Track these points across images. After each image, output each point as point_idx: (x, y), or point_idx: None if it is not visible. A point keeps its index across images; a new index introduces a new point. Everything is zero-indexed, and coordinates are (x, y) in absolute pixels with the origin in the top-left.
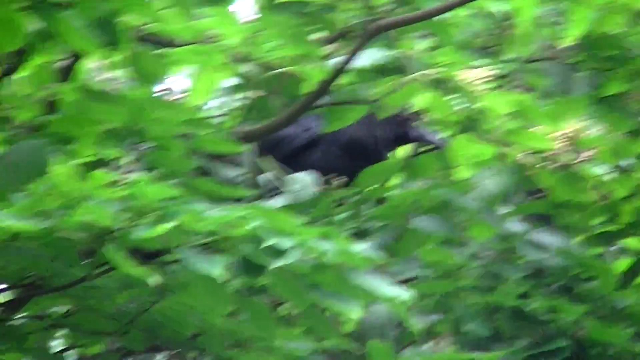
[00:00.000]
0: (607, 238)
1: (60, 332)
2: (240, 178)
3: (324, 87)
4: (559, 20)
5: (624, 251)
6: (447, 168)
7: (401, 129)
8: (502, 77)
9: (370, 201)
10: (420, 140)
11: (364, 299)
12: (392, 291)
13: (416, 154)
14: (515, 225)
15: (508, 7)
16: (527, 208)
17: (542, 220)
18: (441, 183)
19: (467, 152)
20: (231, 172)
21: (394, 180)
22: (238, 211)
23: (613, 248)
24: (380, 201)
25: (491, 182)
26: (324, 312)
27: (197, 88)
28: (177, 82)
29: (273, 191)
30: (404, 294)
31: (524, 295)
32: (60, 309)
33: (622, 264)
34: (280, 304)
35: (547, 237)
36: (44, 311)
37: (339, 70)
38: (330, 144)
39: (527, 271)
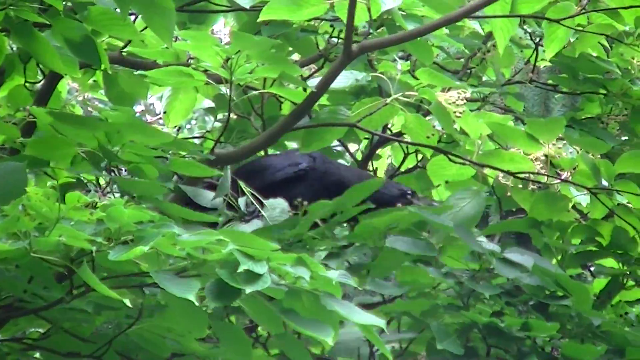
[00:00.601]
0: (584, 258)
1: (37, 354)
2: (218, 201)
3: (304, 109)
4: (538, 42)
5: (600, 271)
6: (427, 189)
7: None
8: (482, 98)
9: (347, 222)
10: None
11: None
12: (365, 318)
13: (394, 175)
14: (490, 245)
15: (487, 28)
16: (504, 226)
17: (521, 240)
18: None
19: (446, 172)
20: (208, 196)
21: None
22: (213, 235)
23: (591, 268)
24: (356, 222)
25: (468, 204)
26: (298, 336)
27: (175, 109)
28: (155, 103)
29: (250, 214)
30: (377, 320)
31: (498, 313)
32: (37, 330)
33: (598, 284)
34: (256, 326)
35: (522, 257)
36: (21, 333)
37: (319, 92)
38: (315, 181)
39: (502, 289)
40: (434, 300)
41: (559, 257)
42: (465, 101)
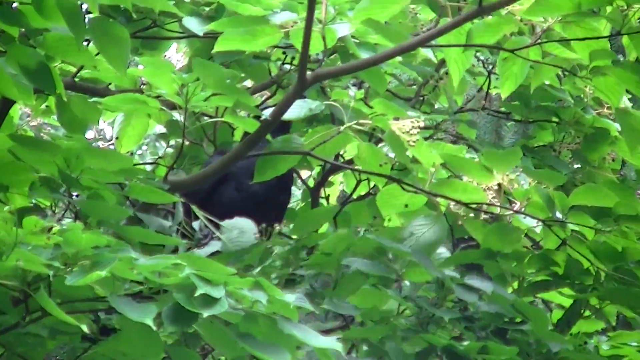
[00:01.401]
0: (540, 287)
1: None
2: (172, 227)
3: (257, 137)
4: (491, 70)
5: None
6: (377, 216)
7: None
8: (434, 126)
9: (303, 248)
10: None
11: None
12: (322, 341)
13: (345, 202)
14: (449, 271)
15: (440, 56)
16: (459, 257)
17: (473, 269)
18: (373, 230)
19: (398, 201)
20: (163, 222)
21: (324, 228)
22: (170, 260)
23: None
24: (312, 248)
25: (430, 230)
26: None
27: (127, 135)
28: (106, 129)
29: (206, 238)
30: (335, 344)
31: (457, 338)
32: None
33: (556, 314)
34: (212, 350)
35: (481, 282)
36: None
37: (273, 121)
38: (241, 177)
39: (462, 315)
40: (392, 324)
41: (515, 286)
42: (418, 130)
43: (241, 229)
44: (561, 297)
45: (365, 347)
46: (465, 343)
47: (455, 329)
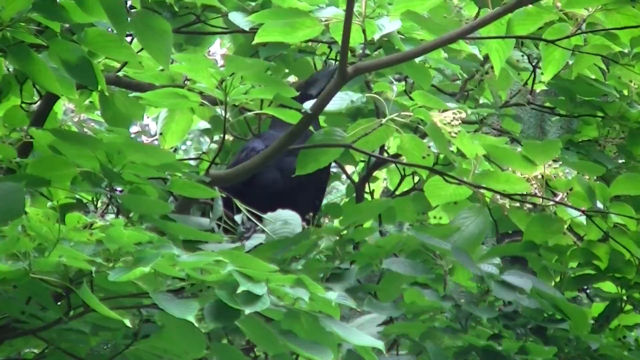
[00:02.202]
0: (582, 281)
1: None
2: (212, 222)
3: (299, 130)
4: (536, 65)
5: (597, 295)
6: (424, 211)
7: None
8: (479, 121)
9: (350, 242)
10: None
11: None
12: (364, 339)
13: (391, 197)
14: (488, 267)
15: (485, 51)
16: (503, 250)
17: (517, 263)
18: (421, 227)
19: (443, 193)
20: (201, 220)
21: (368, 223)
22: (212, 256)
23: (588, 291)
24: (357, 243)
25: (473, 223)
26: (296, 358)
27: (171, 130)
28: (150, 124)
29: (249, 232)
30: (376, 342)
31: (496, 336)
32: (32, 350)
33: (596, 308)
34: (254, 347)
35: (520, 279)
36: (16, 353)
37: (315, 113)
38: (282, 157)
39: (501, 312)
40: (431, 323)
41: (557, 280)
42: (460, 122)
43: (285, 219)
44: (611, 285)
45: (403, 344)
46: (504, 343)
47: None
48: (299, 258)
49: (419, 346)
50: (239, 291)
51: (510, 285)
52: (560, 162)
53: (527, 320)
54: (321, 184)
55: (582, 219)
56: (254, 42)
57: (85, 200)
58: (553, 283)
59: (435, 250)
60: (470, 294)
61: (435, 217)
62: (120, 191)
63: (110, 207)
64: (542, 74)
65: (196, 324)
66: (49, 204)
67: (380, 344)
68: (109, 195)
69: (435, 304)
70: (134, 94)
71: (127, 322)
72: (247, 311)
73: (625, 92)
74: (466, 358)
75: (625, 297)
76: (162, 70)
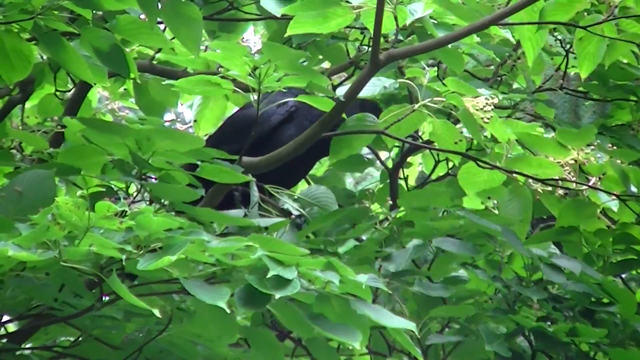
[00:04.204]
0: (623, 267)
1: None
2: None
3: (332, 117)
4: (569, 50)
5: (633, 279)
6: (458, 196)
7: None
8: (512, 106)
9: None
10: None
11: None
12: (397, 322)
13: (425, 182)
14: (537, 250)
15: (517, 36)
16: (541, 237)
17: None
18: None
19: (477, 179)
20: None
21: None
22: (242, 241)
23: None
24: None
25: (516, 205)
26: (329, 341)
27: (205, 118)
28: (185, 112)
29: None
30: (408, 324)
31: (545, 318)
32: (67, 338)
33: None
34: (289, 332)
35: (569, 263)
36: (52, 341)
37: (347, 101)
38: (303, 119)
39: (550, 295)
40: (480, 303)
41: (600, 265)
42: (492, 107)
43: (323, 192)
44: None
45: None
46: (554, 324)
47: (542, 309)
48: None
49: (466, 329)
50: (269, 276)
51: (559, 269)
52: (593, 147)
53: (575, 303)
54: (318, 158)
55: (614, 203)
56: (286, 35)
57: (115, 188)
58: (596, 268)
59: (487, 231)
60: (519, 277)
61: (470, 203)
62: (154, 178)
63: (141, 194)
64: (575, 58)
65: (227, 310)
66: (79, 192)
67: (412, 326)
68: (139, 184)
69: (484, 284)
70: (167, 81)
71: (157, 312)
72: (278, 295)
73: None
74: (516, 339)
75: None
76: (195, 56)
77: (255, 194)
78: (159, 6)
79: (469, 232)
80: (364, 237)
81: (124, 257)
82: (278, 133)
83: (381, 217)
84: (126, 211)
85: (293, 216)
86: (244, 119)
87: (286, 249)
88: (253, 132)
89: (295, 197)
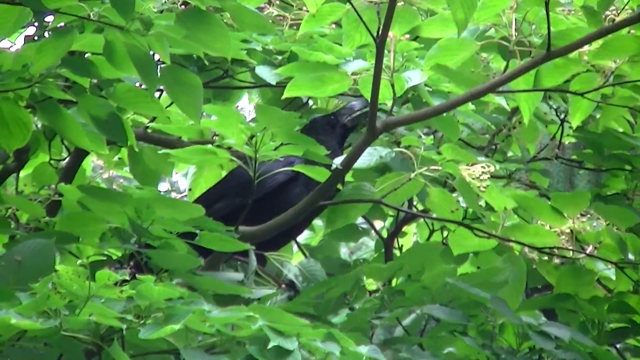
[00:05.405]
0: (618, 335)
1: None
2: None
3: (329, 186)
4: (564, 119)
5: (628, 349)
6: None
7: None
8: (508, 175)
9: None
10: None
11: None
12: None
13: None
14: (527, 318)
15: (513, 104)
16: (534, 303)
17: (548, 318)
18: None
19: (468, 243)
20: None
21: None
22: (243, 311)
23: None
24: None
25: (510, 274)
26: None
27: (200, 186)
28: (180, 180)
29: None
30: None
31: None
32: None
33: None
34: None
35: (559, 330)
36: None
37: (344, 169)
38: (310, 178)
39: None
40: None
41: (595, 334)
42: (489, 175)
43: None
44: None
45: None
46: None
47: None
48: (348, 303)
49: None
50: (270, 346)
51: (549, 336)
52: (589, 215)
53: None
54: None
55: (610, 272)
56: (283, 97)
57: (114, 257)
58: (591, 337)
59: (476, 299)
60: (509, 346)
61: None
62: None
63: (143, 262)
64: (570, 127)
65: None
66: (79, 261)
67: None
68: (137, 252)
69: (474, 352)
70: (163, 150)
71: None
72: None
73: None
74: None
75: None
76: (192, 124)
77: (253, 262)
78: (158, 74)
79: (461, 302)
80: (356, 306)
81: (124, 326)
82: (284, 191)
83: (374, 287)
84: (127, 280)
85: (283, 285)
86: (246, 173)
87: (287, 319)
88: (250, 198)
89: (297, 267)
